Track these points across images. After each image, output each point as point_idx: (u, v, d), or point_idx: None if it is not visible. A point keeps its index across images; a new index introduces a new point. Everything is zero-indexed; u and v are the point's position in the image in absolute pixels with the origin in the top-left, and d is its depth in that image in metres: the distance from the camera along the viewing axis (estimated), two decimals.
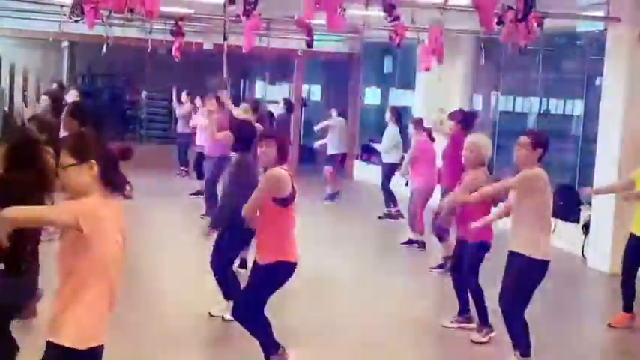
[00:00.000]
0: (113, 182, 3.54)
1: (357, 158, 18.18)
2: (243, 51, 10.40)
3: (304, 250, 6.18)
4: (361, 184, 16.98)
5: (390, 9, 8.60)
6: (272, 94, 22.48)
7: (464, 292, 7.22)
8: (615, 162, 9.92)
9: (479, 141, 7.03)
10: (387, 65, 18.79)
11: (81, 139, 3.63)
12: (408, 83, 16.80)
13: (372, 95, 19.77)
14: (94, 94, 19.68)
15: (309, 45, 10.64)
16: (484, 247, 6.92)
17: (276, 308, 6.23)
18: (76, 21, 9.76)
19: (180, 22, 10.29)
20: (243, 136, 7.29)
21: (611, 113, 10.11)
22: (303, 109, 19.45)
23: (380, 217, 12.96)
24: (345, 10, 8.54)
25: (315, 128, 15.40)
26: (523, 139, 6.07)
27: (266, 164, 5.75)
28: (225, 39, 8.42)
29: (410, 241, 10.91)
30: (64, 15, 10.47)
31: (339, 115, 15.23)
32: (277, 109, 16.06)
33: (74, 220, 3.36)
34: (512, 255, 6.11)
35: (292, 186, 5.63)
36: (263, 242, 5.73)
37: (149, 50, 13.86)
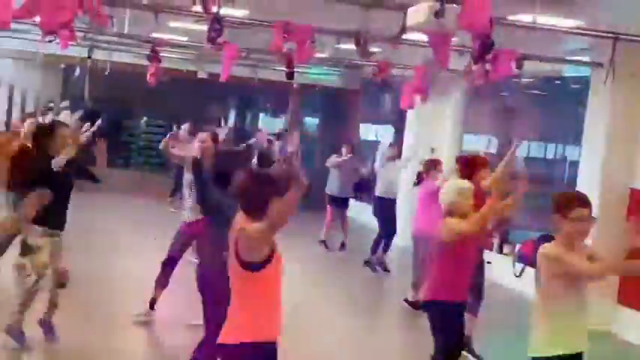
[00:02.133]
0: None
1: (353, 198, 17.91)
2: (220, 79, 10.27)
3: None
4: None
5: (362, 45, 8.44)
6: (274, 126, 22.42)
7: None
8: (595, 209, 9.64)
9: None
10: (385, 101, 18.67)
11: None
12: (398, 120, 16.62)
13: (368, 131, 19.62)
14: (90, 118, 19.60)
15: (290, 77, 10.49)
16: None
17: None
18: (49, 41, 9.62)
19: (157, 48, 10.21)
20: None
21: (591, 159, 9.91)
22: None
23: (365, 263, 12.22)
24: (314, 42, 8.42)
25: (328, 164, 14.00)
26: None
27: None
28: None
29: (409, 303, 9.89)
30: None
31: (350, 152, 13.79)
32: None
33: None
34: None
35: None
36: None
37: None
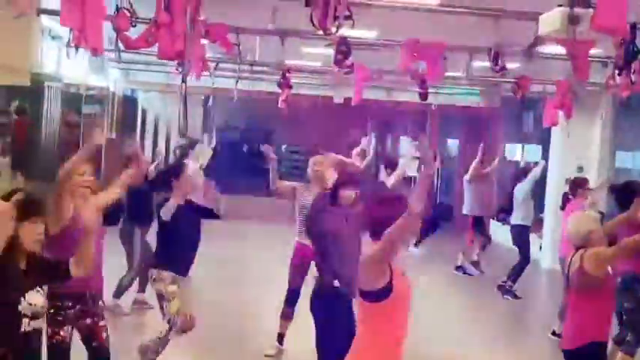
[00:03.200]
0: None
1: (492, 218, 17.30)
2: (352, 103, 10.06)
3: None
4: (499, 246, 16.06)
5: (496, 61, 8.00)
6: (413, 149, 22.07)
7: None
8: None
9: None
10: (526, 120, 17.96)
11: None
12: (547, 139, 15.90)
13: (512, 151, 18.94)
14: (231, 147, 19.95)
15: (423, 98, 10.13)
16: None
17: None
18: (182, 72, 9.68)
19: (287, 74, 10.11)
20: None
21: None
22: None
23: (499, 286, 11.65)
24: (445, 59, 8.05)
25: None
26: None
27: None
28: None
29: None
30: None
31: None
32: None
33: None
34: None
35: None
36: None
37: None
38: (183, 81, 4.74)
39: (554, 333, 9.11)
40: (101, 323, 5.23)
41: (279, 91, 11.71)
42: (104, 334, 5.22)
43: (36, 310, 3.74)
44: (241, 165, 20.96)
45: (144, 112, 18.82)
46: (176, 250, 6.56)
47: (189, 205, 6.65)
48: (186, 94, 4.69)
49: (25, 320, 3.69)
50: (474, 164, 12.92)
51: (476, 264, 13.21)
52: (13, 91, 9.14)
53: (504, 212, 14.11)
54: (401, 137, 23.54)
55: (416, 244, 14.74)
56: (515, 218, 11.58)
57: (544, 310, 11.12)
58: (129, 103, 17.60)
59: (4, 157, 9.71)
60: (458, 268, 13.29)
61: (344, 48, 7.78)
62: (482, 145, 12.88)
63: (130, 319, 9.10)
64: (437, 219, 15.05)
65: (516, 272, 11.50)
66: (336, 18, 5.67)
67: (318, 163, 7.46)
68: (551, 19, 4.47)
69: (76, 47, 5.00)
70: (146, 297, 9.23)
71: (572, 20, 4.21)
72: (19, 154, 9.93)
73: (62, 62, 10.82)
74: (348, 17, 5.73)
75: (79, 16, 4.51)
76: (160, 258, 6.64)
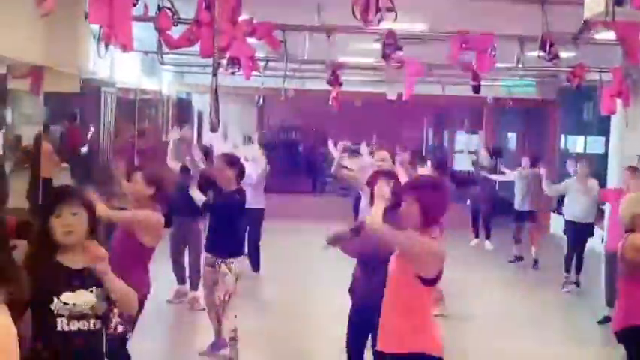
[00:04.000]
0: None
1: (553, 211, 16.99)
2: (403, 98, 9.95)
3: None
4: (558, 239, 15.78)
5: (548, 49, 7.80)
6: (470, 144, 21.83)
7: None
8: None
9: None
10: (586, 110, 17.57)
11: None
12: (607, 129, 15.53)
13: (571, 143, 18.56)
14: (286, 147, 19.95)
15: (476, 90, 9.99)
16: None
17: None
18: (232, 73, 9.71)
19: (337, 71, 10.05)
20: None
21: None
22: (497, 159, 18.58)
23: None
24: (495, 49, 7.90)
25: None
26: None
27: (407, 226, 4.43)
28: None
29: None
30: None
31: (533, 164, 13.60)
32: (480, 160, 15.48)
33: None
34: None
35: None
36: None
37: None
38: (214, 74, 4.71)
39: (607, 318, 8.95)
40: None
41: (331, 88, 11.73)
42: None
43: (77, 310, 3.68)
44: (297, 164, 20.96)
45: (200, 113, 18.96)
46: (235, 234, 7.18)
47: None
48: (217, 90, 4.66)
49: (62, 320, 3.66)
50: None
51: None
52: (65, 98, 9.25)
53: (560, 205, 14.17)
54: (457, 132, 23.30)
55: (487, 237, 14.67)
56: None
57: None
58: (183, 105, 17.75)
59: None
60: (517, 258, 13.33)
61: (391, 41, 7.69)
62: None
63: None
64: (495, 213, 14.93)
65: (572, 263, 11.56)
66: (378, 10, 5.61)
67: (383, 159, 7.52)
68: (596, 2, 4.31)
69: (106, 45, 5.02)
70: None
71: (617, 1, 4.06)
72: (75, 161, 10.07)
73: (115, 66, 10.95)
74: (391, 9, 5.66)
75: (107, 13, 4.51)
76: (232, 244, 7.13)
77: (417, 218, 4.33)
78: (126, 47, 4.64)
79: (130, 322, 5.34)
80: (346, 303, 6.02)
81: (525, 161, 13.84)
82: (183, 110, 17.51)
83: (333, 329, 7.93)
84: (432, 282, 4.29)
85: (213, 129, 4.77)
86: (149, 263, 5.93)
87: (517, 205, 13.46)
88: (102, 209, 5.23)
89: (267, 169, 11.60)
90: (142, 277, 5.74)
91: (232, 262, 7.08)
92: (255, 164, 11.46)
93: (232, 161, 7.39)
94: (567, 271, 11.57)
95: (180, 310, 9.37)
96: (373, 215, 4.36)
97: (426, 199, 4.35)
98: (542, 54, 7.80)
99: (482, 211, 14.96)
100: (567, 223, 11.68)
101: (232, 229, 7.15)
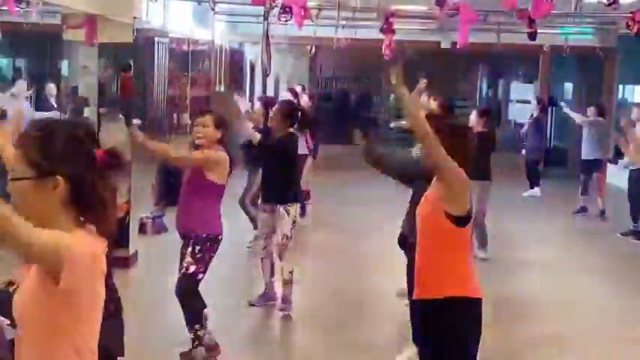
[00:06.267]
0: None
1: (609, 162, 16.66)
2: (458, 47, 9.80)
3: None
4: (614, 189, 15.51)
5: None
6: (525, 94, 21.50)
7: None
8: None
9: None
10: None
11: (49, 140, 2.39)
12: None
13: (629, 93, 18.10)
14: (338, 97, 19.88)
15: (532, 37, 9.78)
16: None
17: None
18: (285, 21, 9.67)
19: (390, 19, 9.91)
20: None
21: None
22: (553, 109, 18.29)
23: (621, 234, 11.44)
24: None
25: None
26: None
27: None
28: None
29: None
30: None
31: (599, 114, 13.26)
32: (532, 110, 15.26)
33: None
34: None
35: None
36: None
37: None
38: (265, 18, 4.68)
39: None
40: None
41: (384, 37, 11.61)
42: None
43: None
44: (349, 115, 20.89)
45: (252, 64, 18.94)
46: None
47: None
48: (268, 34, 4.63)
49: None
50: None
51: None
52: (119, 48, 9.31)
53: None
54: (513, 81, 22.94)
55: (536, 185, 14.53)
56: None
57: None
58: (236, 56, 17.74)
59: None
60: (582, 209, 13.10)
61: None
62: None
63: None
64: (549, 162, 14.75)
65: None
66: None
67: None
68: None
69: None
70: None
71: None
72: (127, 107, 10.15)
73: (168, 16, 10.97)
74: None
75: None
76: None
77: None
78: None
79: None
80: (396, 245, 6.04)
81: (591, 110, 13.47)
82: (236, 60, 17.50)
83: (387, 270, 7.99)
84: (463, 221, 4.21)
85: (265, 74, 4.76)
86: (220, 203, 6.00)
87: (584, 153, 13.16)
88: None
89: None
90: (214, 216, 5.90)
91: (290, 206, 7.13)
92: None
93: (288, 108, 7.47)
94: (635, 220, 11.36)
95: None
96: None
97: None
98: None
99: (530, 160, 14.88)
100: (633, 172, 11.37)
101: (288, 175, 7.19)
